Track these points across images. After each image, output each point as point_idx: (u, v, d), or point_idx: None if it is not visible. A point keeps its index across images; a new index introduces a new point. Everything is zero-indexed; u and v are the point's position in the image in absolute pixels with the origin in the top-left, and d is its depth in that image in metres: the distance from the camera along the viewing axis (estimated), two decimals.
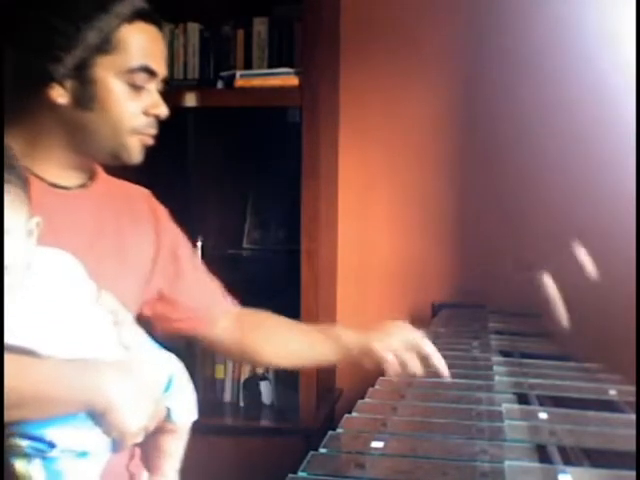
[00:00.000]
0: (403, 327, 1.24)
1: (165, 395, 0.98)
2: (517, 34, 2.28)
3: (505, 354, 1.55)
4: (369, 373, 1.41)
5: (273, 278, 2.34)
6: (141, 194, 1.25)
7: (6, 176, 0.87)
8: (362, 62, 2.41)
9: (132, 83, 1.04)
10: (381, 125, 2.44)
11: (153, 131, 1.08)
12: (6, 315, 0.86)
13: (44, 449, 0.89)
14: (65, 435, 0.90)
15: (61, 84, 1.01)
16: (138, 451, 1.08)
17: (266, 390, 2.33)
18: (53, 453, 0.89)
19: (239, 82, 2.14)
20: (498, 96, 2.33)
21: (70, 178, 1.09)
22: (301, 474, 0.89)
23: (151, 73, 1.05)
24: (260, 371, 2.32)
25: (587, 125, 2.24)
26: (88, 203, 1.10)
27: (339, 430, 1.04)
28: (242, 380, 2.30)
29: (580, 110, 2.24)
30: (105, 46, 1.01)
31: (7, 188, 0.87)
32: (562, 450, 0.94)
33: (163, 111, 1.08)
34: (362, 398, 1.20)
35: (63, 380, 0.89)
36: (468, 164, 2.39)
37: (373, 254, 2.48)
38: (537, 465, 0.91)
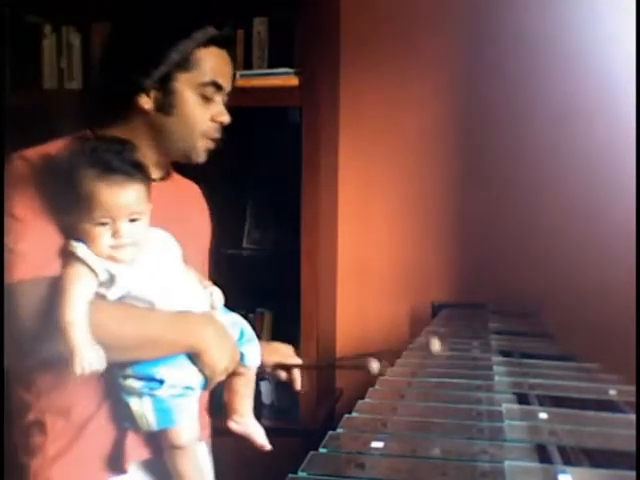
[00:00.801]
0: (285, 350, 1.48)
1: (239, 343, 1.25)
2: (517, 36, 2.28)
3: (505, 354, 1.55)
4: (369, 373, 1.41)
5: (273, 278, 2.34)
6: (197, 189, 1.51)
7: (136, 172, 1.14)
8: (362, 62, 2.41)
9: (203, 95, 1.27)
10: (381, 125, 2.44)
11: (218, 135, 1.32)
12: (135, 276, 1.14)
13: (155, 386, 1.13)
14: (171, 373, 1.14)
15: (147, 93, 1.25)
16: (205, 404, 1.35)
17: (266, 390, 2.33)
18: (163, 390, 1.13)
19: (239, 82, 2.13)
20: (498, 98, 2.33)
21: (153, 172, 1.28)
22: (301, 474, 0.88)
23: (219, 87, 1.28)
24: (260, 371, 2.32)
25: (587, 126, 2.25)
26: (168, 193, 1.32)
27: (339, 430, 1.04)
28: None
29: (581, 111, 2.24)
30: (184, 64, 1.25)
31: (138, 182, 1.14)
32: (562, 450, 0.94)
33: (226, 119, 1.31)
34: (362, 398, 1.20)
35: (172, 327, 1.16)
36: (468, 164, 2.39)
37: (373, 254, 2.48)
38: (537, 465, 0.91)
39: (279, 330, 2.37)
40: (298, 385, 1.45)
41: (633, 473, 0.85)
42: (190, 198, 1.47)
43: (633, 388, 1.24)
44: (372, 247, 2.48)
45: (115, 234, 1.12)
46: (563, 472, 0.87)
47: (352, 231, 2.48)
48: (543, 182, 2.32)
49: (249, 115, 2.29)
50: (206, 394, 1.32)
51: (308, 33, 2.10)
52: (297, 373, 1.45)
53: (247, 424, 1.32)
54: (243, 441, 1.33)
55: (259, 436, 1.33)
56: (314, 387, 2.17)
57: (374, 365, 1.31)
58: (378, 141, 2.44)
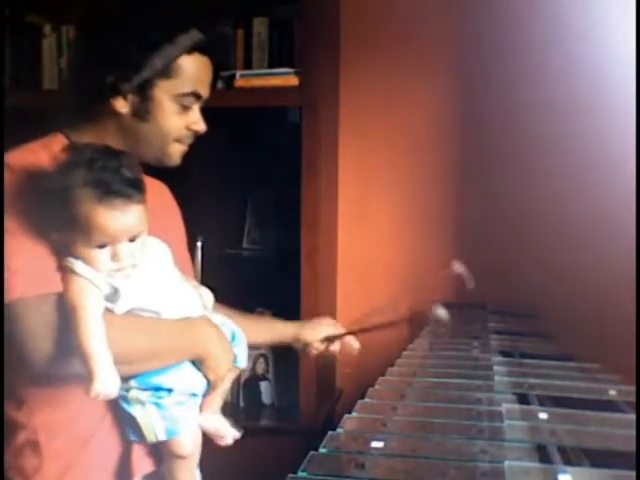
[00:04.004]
0: (328, 322, 1.58)
1: (233, 345, 1.24)
2: (517, 34, 2.28)
3: (505, 354, 1.55)
4: (369, 373, 1.41)
5: (273, 278, 2.34)
6: (165, 187, 1.45)
7: (137, 193, 1.08)
8: (362, 62, 2.41)
9: (182, 104, 1.23)
10: (381, 125, 2.43)
11: (190, 141, 1.28)
12: (138, 288, 1.11)
13: (163, 395, 1.12)
14: (178, 380, 1.13)
15: (124, 97, 1.20)
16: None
17: (266, 390, 2.33)
18: (170, 398, 1.12)
19: (239, 82, 2.14)
20: (499, 96, 2.33)
21: None
22: (301, 474, 0.89)
23: (198, 97, 1.25)
24: (260, 371, 2.32)
25: (588, 124, 2.24)
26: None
27: (339, 430, 1.04)
28: (242, 380, 2.30)
29: (581, 109, 2.24)
30: (166, 72, 1.20)
31: (139, 202, 1.08)
32: (562, 450, 0.94)
33: (202, 127, 1.27)
34: (362, 398, 1.20)
35: (179, 335, 1.15)
36: (468, 164, 2.39)
37: (373, 254, 2.48)
38: (537, 465, 0.91)
39: None
40: (356, 347, 1.53)
41: (633, 473, 0.85)
42: (163, 198, 1.42)
43: (633, 388, 1.24)
44: (372, 247, 2.48)
45: (115, 257, 1.07)
46: (563, 472, 0.87)
47: (352, 231, 2.48)
48: (543, 182, 2.32)
49: (249, 115, 2.30)
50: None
51: (308, 33, 2.10)
52: (350, 339, 1.54)
53: (217, 419, 1.27)
54: (208, 436, 1.27)
55: (226, 428, 1.26)
56: (314, 387, 2.17)
57: (440, 312, 1.36)
58: (378, 141, 2.44)
